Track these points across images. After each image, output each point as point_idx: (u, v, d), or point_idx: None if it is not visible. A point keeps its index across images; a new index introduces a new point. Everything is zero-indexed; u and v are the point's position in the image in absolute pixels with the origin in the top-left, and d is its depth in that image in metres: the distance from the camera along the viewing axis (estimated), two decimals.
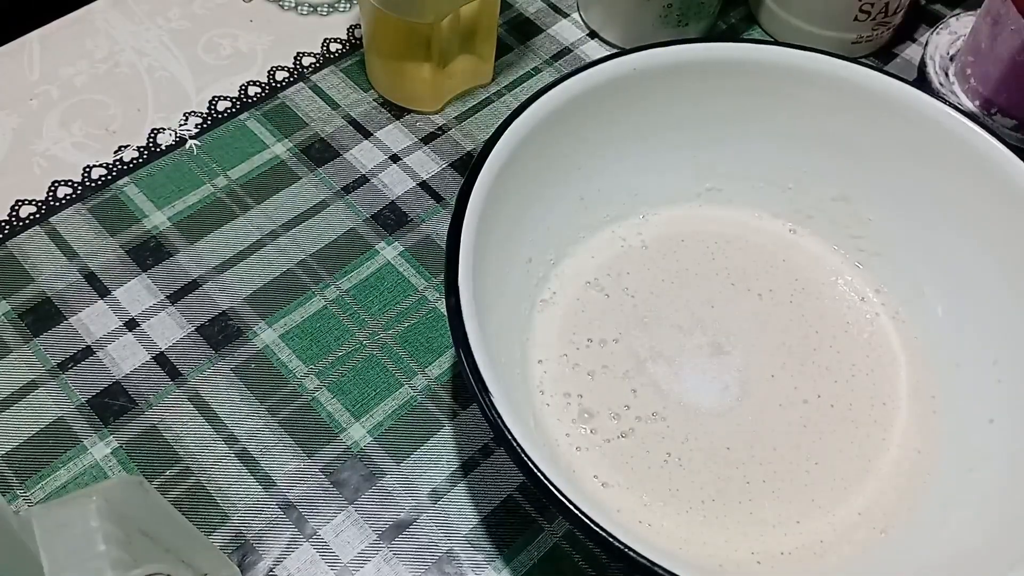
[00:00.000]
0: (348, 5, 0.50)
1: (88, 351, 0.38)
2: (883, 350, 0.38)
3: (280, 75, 0.47)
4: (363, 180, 0.44)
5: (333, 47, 0.48)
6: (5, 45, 0.47)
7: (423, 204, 0.43)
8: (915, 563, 0.32)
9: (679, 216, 0.41)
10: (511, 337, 0.36)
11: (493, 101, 0.47)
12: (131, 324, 0.39)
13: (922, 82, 0.46)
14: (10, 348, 0.38)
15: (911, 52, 0.50)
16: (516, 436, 0.28)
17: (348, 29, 0.49)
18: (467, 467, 0.36)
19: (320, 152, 0.44)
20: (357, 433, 0.37)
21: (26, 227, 0.41)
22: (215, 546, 0.34)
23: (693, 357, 0.37)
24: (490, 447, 0.37)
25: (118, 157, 0.44)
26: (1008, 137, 0.44)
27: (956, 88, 0.45)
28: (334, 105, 0.46)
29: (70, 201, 0.42)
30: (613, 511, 0.34)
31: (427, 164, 0.44)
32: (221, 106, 0.46)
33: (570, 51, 0.49)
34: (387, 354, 0.39)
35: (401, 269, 0.41)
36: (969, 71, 0.45)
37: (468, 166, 0.33)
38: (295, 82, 0.47)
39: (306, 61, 0.47)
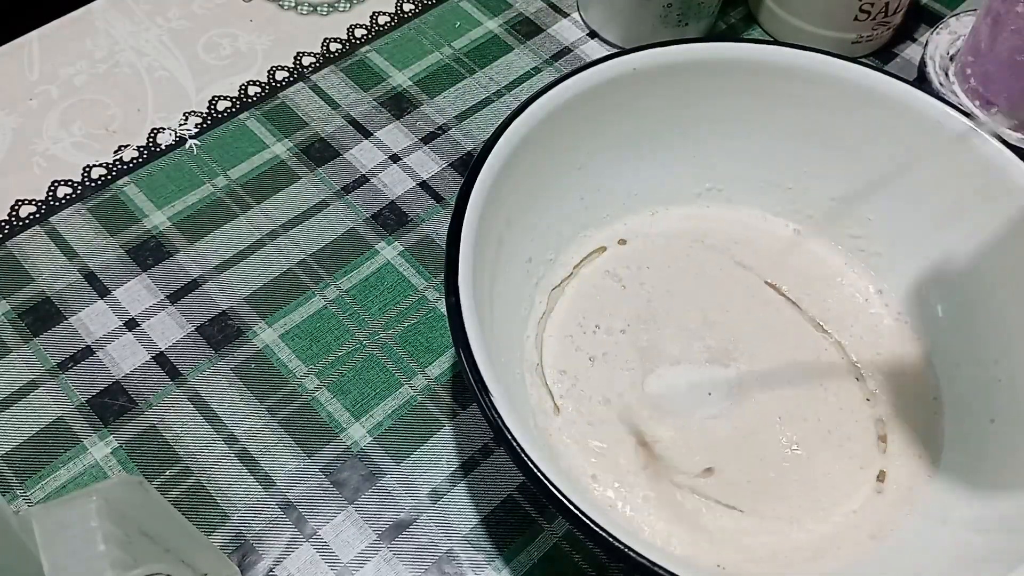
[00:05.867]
0: (348, 5, 0.50)
1: (88, 351, 0.38)
2: (884, 350, 0.38)
3: (280, 75, 0.47)
4: (363, 180, 0.44)
5: (333, 47, 0.48)
6: (5, 45, 0.47)
7: (423, 204, 0.43)
8: (914, 564, 0.32)
9: (686, 214, 0.41)
10: (511, 337, 0.36)
11: (493, 101, 0.47)
12: (131, 324, 0.39)
13: (922, 82, 0.46)
14: (10, 348, 0.38)
15: (911, 52, 0.50)
16: (516, 436, 0.28)
17: (348, 29, 0.49)
18: (467, 467, 0.36)
19: (320, 152, 0.44)
20: (357, 433, 0.37)
21: (26, 227, 0.41)
22: (215, 546, 0.34)
23: (698, 357, 0.37)
24: (490, 447, 0.37)
25: (118, 157, 0.44)
26: (1008, 137, 0.44)
27: (956, 88, 0.45)
28: (334, 105, 0.46)
29: (70, 201, 0.42)
30: (613, 511, 0.34)
31: (427, 164, 0.44)
32: (221, 106, 0.46)
33: (570, 51, 0.49)
34: (387, 354, 0.39)
35: (401, 269, 0.41)
36: (969, 71, 0.45)
37: (468, 166, 0.33)
38: (295, 82, 0.47)
39: (306, 61, 0.47)
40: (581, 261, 0.39)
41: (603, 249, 0.39)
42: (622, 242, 0.40)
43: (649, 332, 0.38)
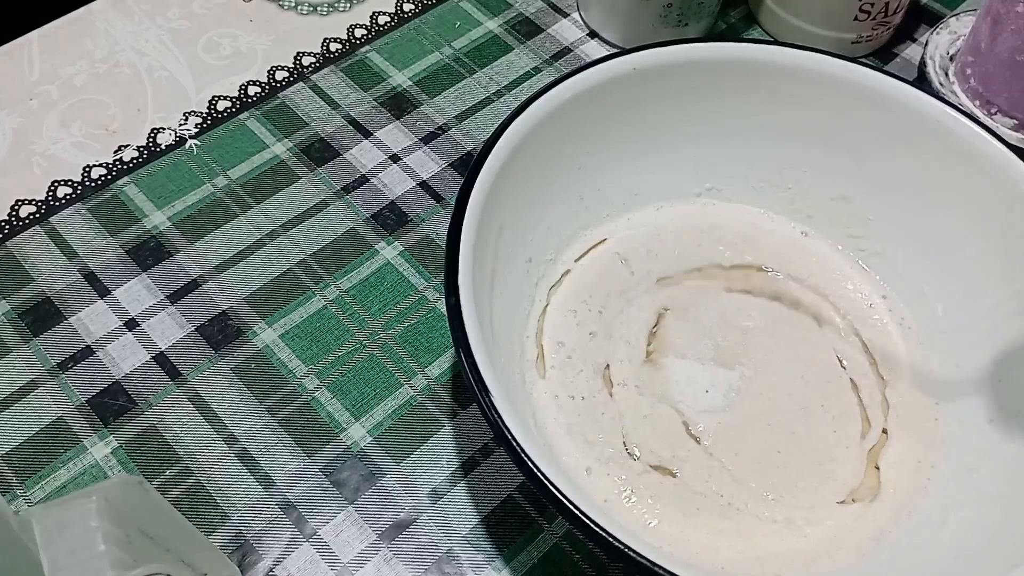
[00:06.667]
0: (348, 5, 0.50)
1: (88, 351, 0.38)
2: (888, 351, 0.38)
3: (280, 75, 0.47)
4: (363, 180, 0.44)
5: (333, 47, 0.48)
6: (5, 45, 0.47)
7: (423, 204, 0.43)
8: (915, 564, 0.32)
9: (689, 212, 0.41)
10: (511, 337, 0.36)
11: (493, 101, 0.47)
12: (131, 324, 0.39)
13: (922, 82, 0.46)
14: (10, 348, 0.38)
15: (911, 52, 0.50)
16: (516, 436, 0.28)
17: (348, 29, 0.49)
18: (467, 467, 0.36)
19: (320, 152, 0.44)
20: (357, 433, 0.37)
21: (26, 227, 0.41)
22: (215, 546, 0.34)
23: (704, 354, 0.37)
24: (490, 447, 0.37)
25: (118, 157, 0.44)
26: (1008, 137, 0.44)
27: (956, 88, 0.45)
28: (334, 105, 0.46)
29: (70, 201, 0.42)
30: (609, 507, 0.34)
31: (427, 164, 0.44)
32: (221, 106, 0.46)
33: (570, 51, 0.49)
34: (387, 354, 0.39)
35: (401, 269, 0.41)
36: (969, 71, 0.45)
37: (468, 166, 0.33)
38: (295, 82, 0.47)
39: (306, 61, 0.47)
40: (581, 256, 0.39)
41: (603, 241, 0.39)
42: (629, 231, 0.40)
43: (666, 319, 0.38)
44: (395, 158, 0.44)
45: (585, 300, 0.38)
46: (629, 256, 0.39)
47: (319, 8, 0.49)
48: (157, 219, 0.42)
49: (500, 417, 0.28)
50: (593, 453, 0.35)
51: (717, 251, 0.40)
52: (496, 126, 0.34)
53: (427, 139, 0.45)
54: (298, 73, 0.47)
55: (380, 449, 0.36)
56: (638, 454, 0.35)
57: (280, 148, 0.44)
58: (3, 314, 0.39)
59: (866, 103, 0.36)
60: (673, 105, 0.38)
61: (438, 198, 0.43)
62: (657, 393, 0.36)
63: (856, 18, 0.46)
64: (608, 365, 0.36)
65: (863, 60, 0.40)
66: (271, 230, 0.42)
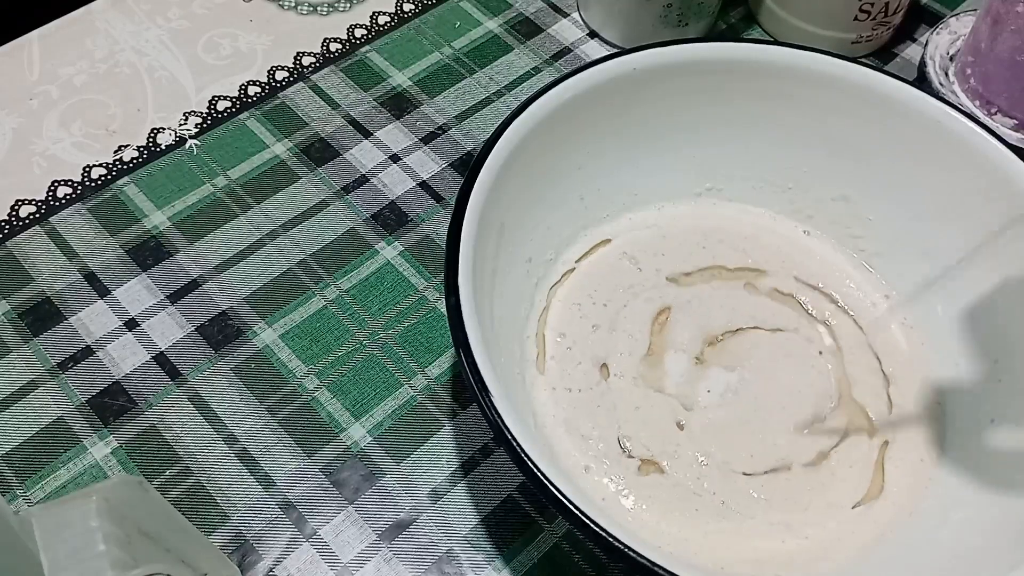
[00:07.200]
0: (348, 5, 0.50)
1: (88, 351, 0.38)
2: (889, 351, 0.38)
3: (280, 75, 0.47)
4: (363, 180, 0.44)
5: (333, 47, 0.48)
6: (5, 45, 0.47)
7: (423, 204, 0.43)
8: (915, 564, 0.32)
9: (690, 212, 0.41)
10: (511, 337, 0.36)
11: (493, 101, 0.47)
12: (131, 324, 0.39)
13: (922, 82, 0.46)
14: (10, 348, 0.38)
15: (911, 52, 0.50)
16: (516, 436, 0.28)
17: (348, 29, 0.49)
18: (467, 467, 0.36)
19: (320, 152, 0.44)
20: (357, 433, 0.37)
21: (26, 227, 0.41)
22: (215, 546, 0.34)
23: (704, 353, 0.37)
24: (490, 447, 0.37)
25: (118, 157, 0.44)
26: (1008, 137, 0.44)
27: (956, 88, 0.45)
28: (334, 105, 0.46)
29: (70, 201, 0.42)
30: (607, 504, 0.34)
31: (427, 164, 0.44)
32: (221, 106, 0.46)
33: (570, 51, 0.49)
34: (387, 354, 0.39)
35: (401, 269, 0.41)
36: (969, 71, 0.45)
37: (468, 166, 0.33)
38: (295, 82, 0.47)
39: (306, 61, 0.47)
40: (586, 253, 0.39)
41: (607, 241, 0.39)
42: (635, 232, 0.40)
43: (671, 315, 0.38)
44: (395, 158, 0.44)
45: (590, 294, 0.38)
46: (636, 255, 0.39)
47: (319, 8, 0.50)
48: (157, 219, 0.42)
49: (500, 417, 0.28)
50: (590, 450, 0.35)
51: (721, 252, 0.40)
52: (496, 126, 0.34)
53: (427, 139, 0.45)
54: (298, 73, 0.47)
55: (380, 449, 0.36)
56: (629, 447, 0.35)
57: (280, 148, 0.44)
58: (3, 314, 0.39)
59: (866, 103, 0.36)
60: (673, 105, 0.38)
61: (438, 198, 0.43)
62: (653, 386, 0.36)
63: (856, 18, 0.46)
64: (608, 358, 0.36)
65: (863, 60, 0.40)
66: (271, 230, 0.42)
